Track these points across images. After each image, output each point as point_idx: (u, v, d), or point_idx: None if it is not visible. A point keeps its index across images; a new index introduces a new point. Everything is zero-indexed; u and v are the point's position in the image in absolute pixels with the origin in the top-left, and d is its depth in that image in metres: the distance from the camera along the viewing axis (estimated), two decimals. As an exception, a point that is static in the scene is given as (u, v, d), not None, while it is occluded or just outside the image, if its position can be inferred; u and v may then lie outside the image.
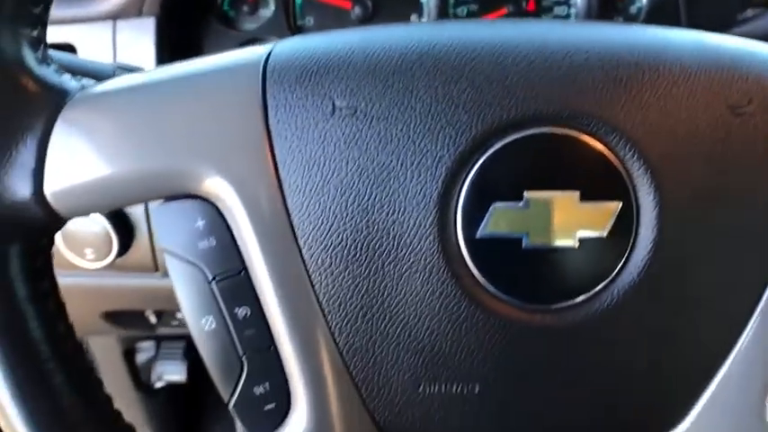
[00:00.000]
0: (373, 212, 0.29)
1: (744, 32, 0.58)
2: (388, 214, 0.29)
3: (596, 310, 0.29)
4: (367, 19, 0.70)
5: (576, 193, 0.28)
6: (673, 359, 0.31)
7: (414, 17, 0.70)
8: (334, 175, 0.29)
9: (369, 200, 0.29)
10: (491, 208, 0.28)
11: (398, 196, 0.29)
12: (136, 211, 0.58)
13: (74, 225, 0.57)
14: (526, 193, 0.28)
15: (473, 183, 0.28)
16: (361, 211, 0.29)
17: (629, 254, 0.29)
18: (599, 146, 0.29)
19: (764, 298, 0.30)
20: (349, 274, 0.29)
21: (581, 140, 0.28)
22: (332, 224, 0.29)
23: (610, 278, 0.29)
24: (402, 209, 0.29)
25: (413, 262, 0.29)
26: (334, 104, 0.29)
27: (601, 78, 0.29)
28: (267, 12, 0.69)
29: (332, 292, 0.29)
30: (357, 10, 0.69)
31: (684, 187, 0.29)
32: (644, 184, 0.29)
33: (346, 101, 0.29)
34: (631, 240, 0.29)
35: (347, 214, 0.29)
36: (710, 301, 0.30)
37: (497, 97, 0.28)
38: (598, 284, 0.29)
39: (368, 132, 0.28)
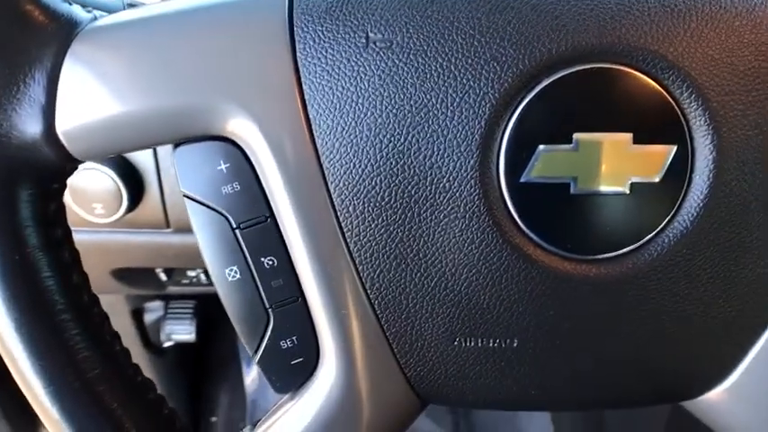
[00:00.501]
0: (410, 155, 0.27)
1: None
2: (425, 157, 0.27)
3: (645, 261, 0.28)
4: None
5: (629, 136, 0.26)
6: (722, 311, 0.29)
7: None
8: (368, 114, 0.27)
9: (405, 141, 0.27)
10: (537, 150, 0.26)
11: (437, 137, 0.26)
12: (146, 165, 0.56)
13: (82, 179, 0.55)
14: (575, 135, 0.26)
15: (518, 123, 0.26)
16: (396, 154, 0.27)
17: (682, 201, 0.27)
18: (654, 84, 0.26)
19: None
20: (382, 221, 0.27)
21: (635, 78, 0.26)
22: (365, 168, 0.27)
23: (660, 227, 0.27)
24: (441, 151, 0.27)
25: (451, 209, 0.27)
26: (367, 37, 0.26)
27: (656, 9, 0.26)
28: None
29: (364, 240, 0.27)
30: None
31: (744, 130, 0.27)
32: (701, 126, 0.27)
33: (381, 33, 0.26)
34: (684, 187, 0.27)
35: (381, 157, 0.27)
36: (764, 251, 0.28)
37: (546, 30, 0.26)
38: (648, 233, 0.27)
39: (405, 68, 0.26)
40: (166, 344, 0.92)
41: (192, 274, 0.72)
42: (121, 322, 0.88)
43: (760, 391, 0.31)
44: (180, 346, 0.95)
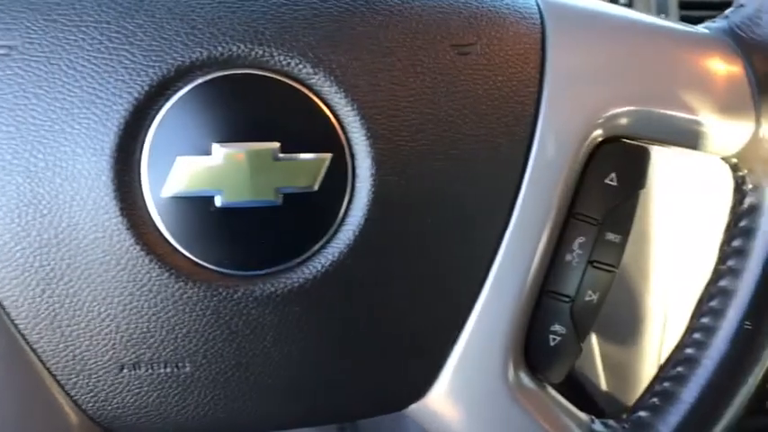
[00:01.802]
0: (38, 173, 0.24)
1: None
2: (55, 175, 0.24)
3: (312, 275, 0.26)
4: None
5: (276, 145, 0.25)
6: (408, 319, 0.28)
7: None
8: None
9: (31, 159, 0.24)
10: (179, 163, 0.25)
11: (67, 154, 0.24)
12: None
13: None
14: (218, 145, 0.25)
15: (156, 135, 0.25)
16: (23, 173, 0.24)
17: (346, 211, 0.26)
18: (302, 89, 0.25)
19: (501, 252, 0.28)
20: (17, 246, 0.25)
21: (280, 83, 0.25)
22: None
23: (325, 238, 0.26)
24: (72, 169, 0.24)
25: (90, 229, 0.25)
26: None
27: (306, 12, 0.25)
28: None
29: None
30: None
31: (404, 135, 0.26)
32: (357, 132, 0.26)
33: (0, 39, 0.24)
34: (347, 196, 0.26)
35: (6, 177, 0.24)
36: (442, 259, 0.28)
37: (181, 34, 0.24)
38: (311, 246, 0.26)
39: (26, 77, 0.24)
40: None
41: None
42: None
43: (471, 392, 0.30)
44: None
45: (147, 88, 0.24)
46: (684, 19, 0.60)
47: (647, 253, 0.57)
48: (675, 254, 0.56)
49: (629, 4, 0.56)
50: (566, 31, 0.29)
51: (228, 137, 0.25)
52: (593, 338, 0.59)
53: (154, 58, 0.24)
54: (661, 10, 0.56)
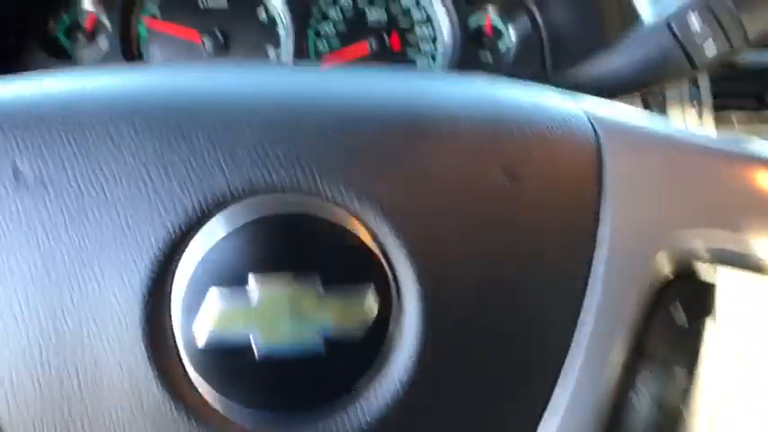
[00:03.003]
0: (64, 313, 0.22)
1: (601, 70, 0.55)
2: (82, 315, 0.22)
3: (357, 422, 0.24)
4: (221, 51, 0.64)
5: (317, 280, 0.23)
6: None
7: (270, 49, 0.65)
8: (13, 264, 0.22)
9: (58, 296, 0.22)
10: (209, 296, 0.23)
11: (95, 291, 0.22)
12: None
13: None
14: (254, 282, 0.23)
15: (191, 270, 0.23)
16: (48, 312, 0.22)
17: (390, 354, 0.24)
18: (347, 222, 0.23)
19: (558, 384, 0.26)
20: (36, 394, 0.23)
21: (322, 216, 0.23)
22: (10, 330, 0.22)
23: (369, 384, 0.24)
24: (99, 307, 0.22)
25: (117, 377, 0.23)
26: (16, 169, 0.23)
27: (350, 141, 0.24)
28: (104, 42, 0.62)
29: (15, 415, 0.23)
30: (208, 43, 0.63)
31: (453, 269, 0.24)
32: (403, 267, 0.24)
33: (31, 164, 0.23)
34: (392, 338, 0.24)
35: (30, 317, 0.22)
36: (496, 401, 0.25)
37: (219, 164, 0.23)
38: (353, 391, 0.24)
39: (57, 206, 0.22)
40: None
41: None
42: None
43: None
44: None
45: (184, 220, 0.22)
46: (717, 108, 0.59)
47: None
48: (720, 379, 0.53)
49: (663, 100, 0.55)
50: (622, 151, 0.27)
51: (266, 273, 0.23)
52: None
53: (192, 188, 0.23)
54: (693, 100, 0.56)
